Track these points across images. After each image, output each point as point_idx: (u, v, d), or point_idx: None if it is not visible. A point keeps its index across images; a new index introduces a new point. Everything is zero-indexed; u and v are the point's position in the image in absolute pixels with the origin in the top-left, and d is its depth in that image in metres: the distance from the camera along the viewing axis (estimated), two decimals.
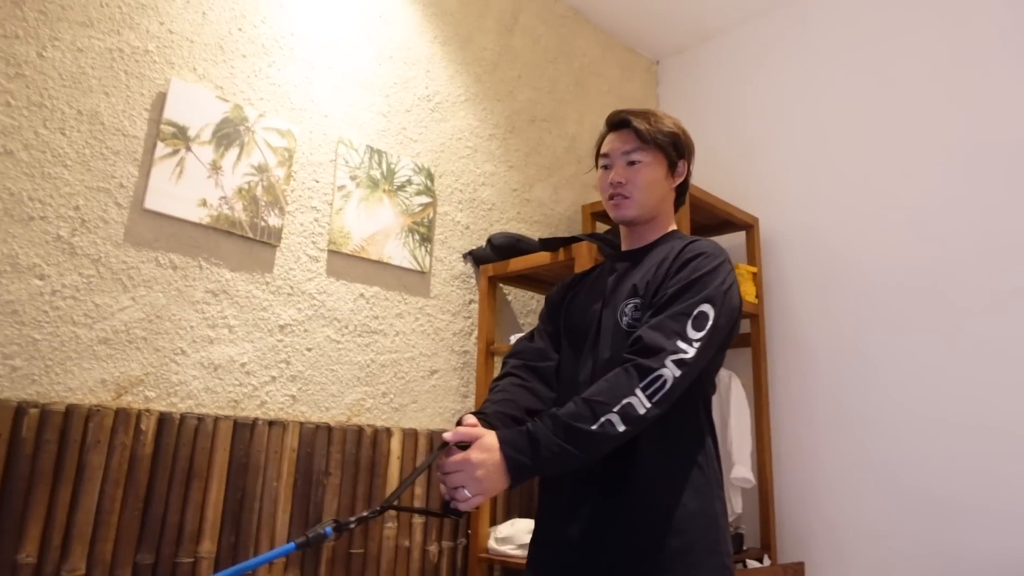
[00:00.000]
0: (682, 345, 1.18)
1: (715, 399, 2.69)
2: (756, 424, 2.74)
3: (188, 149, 1.90)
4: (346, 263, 2.18)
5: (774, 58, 3.12)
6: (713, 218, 2.84)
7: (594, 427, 1.11)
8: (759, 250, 2.90)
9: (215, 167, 1.94)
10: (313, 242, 2.13)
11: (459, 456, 1.10)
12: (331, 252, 2.16)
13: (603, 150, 1.45)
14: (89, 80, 1.78)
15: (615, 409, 1.12)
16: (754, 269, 2.83)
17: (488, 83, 2.75)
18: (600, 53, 3.29)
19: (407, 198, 2.36)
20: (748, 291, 2.78)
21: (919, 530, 2.35)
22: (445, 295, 2.44)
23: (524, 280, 2.55)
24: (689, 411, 1.29)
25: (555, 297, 1.56)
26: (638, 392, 1.13)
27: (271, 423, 1.91)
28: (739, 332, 1.31)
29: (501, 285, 2.60)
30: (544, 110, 2.96)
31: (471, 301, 2.51)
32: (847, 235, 2.73)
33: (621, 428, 1.11)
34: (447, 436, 1.13)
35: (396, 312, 2.29)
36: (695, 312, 1.22)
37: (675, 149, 1.43)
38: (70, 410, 1.60)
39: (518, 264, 2.38)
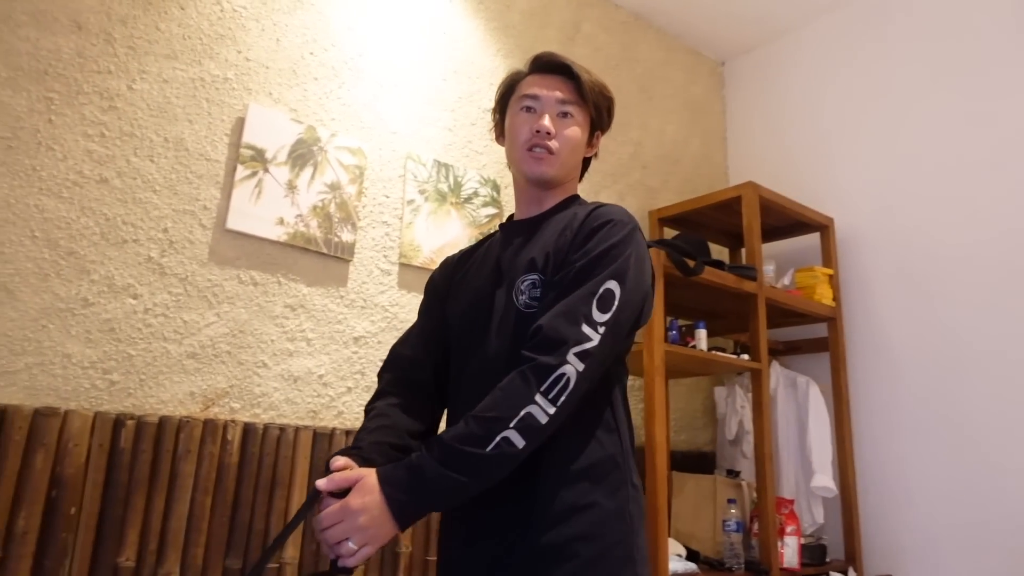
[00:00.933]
0: (586, 330, 1.01)
1: (793, 405, 2.64)
2: (836, 431, 2.65)
3: (266, 170, 1.98)
4: (416, 275, 2.23)
5: (846, 54, 3.02)
6: (785, 220, 2.77)
7: (488, 449, 0.94)
8: (835, 251, 2.81)
9: (291, 187, 2.02)
10: (384, 256, 2.19)
11: (336, 505, 0.94)
12: (402, 265, 2.21)
13: (529, 91, 1.23)
14: (174, 109, 1.88)
15: (512, 424, 0.96)
16: (830, 271, 2.74)
17: None
18: (663, 57, 3.27)
19: (474, 210, 2.40)
20: (825, 294, 2.70)
21: (1020, 544, 2.22)
22: None
23: None
24: (601, 400, 1.12)
25: (438, 283, 1.35)
26: (538, 399, 0.97)
27: (348, 432, 1.96)
28: (648, 316, 1.17)
29: None
30: None
31: None
32: (930, 232, 2.62)
33: (521, 444, 0.96)
34: (320, 484, 0.97)
35: None
36: (601, 291, 1.05)
37: (607, 117, 1.28)
38: (163, 421, 1.69)
39: None
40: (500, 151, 2.53)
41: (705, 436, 2.95)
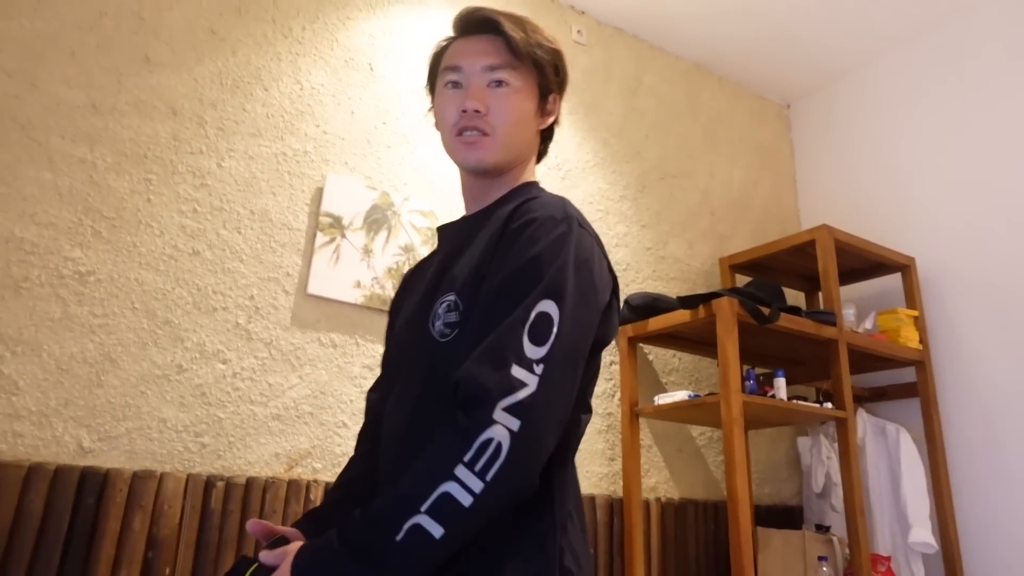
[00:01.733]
0: (518, 374, 0.75)
1: (884, 455, 2.52)
2: (933, 481, 2.51)
3: (343, 236, 2.07)
4: None
5: (918, 89, 2.96)
6: (863, 261, 2.69)
7: (398, 538, 0.71)
8: (919, 292, 2.71)
9: (367, 250, 2.10)
10: None
11: None
12: None
13: (450, 61, 0.99)
14: (259, 183, 2.00)
15: (424, 507, 0.71)
16: (915, 313, 2.64)
17: (616, 146, 2.81)
18: (727, 103, 3.27)
19: None
20: (910, 336, 2.60)
21: None
22: None
23: (665, 339, 2.53)
24: None
25: (394, 300, 1.16)
26: (460, 472, 0.72)
27: None
28: (615, 332, 0.94)
29: (641, 345, 2.58)
30: (673, 166, 2.97)
31: (612, 363, 2.51)
32: (1022, 267, 2.50)
33: (438, 533, 0.71)
34: (264, 558, 0.80)
35: None
36: (531, 317, 0.79)
37: (555, 74, 1.02)
38: (250, 482, 1.75)
39: (657, 323, 2.37)
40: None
41: (790, 489, 2.84)
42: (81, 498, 1.56)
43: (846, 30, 2.98)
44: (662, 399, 2.34)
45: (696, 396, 2.27)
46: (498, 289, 0.83)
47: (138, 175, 1.84)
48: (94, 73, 1.84)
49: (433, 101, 1.05)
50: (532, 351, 0.77)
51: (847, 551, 2.27)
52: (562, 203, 0.90)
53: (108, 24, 1.89)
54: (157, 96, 1.91)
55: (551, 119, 1.05)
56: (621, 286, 2.63)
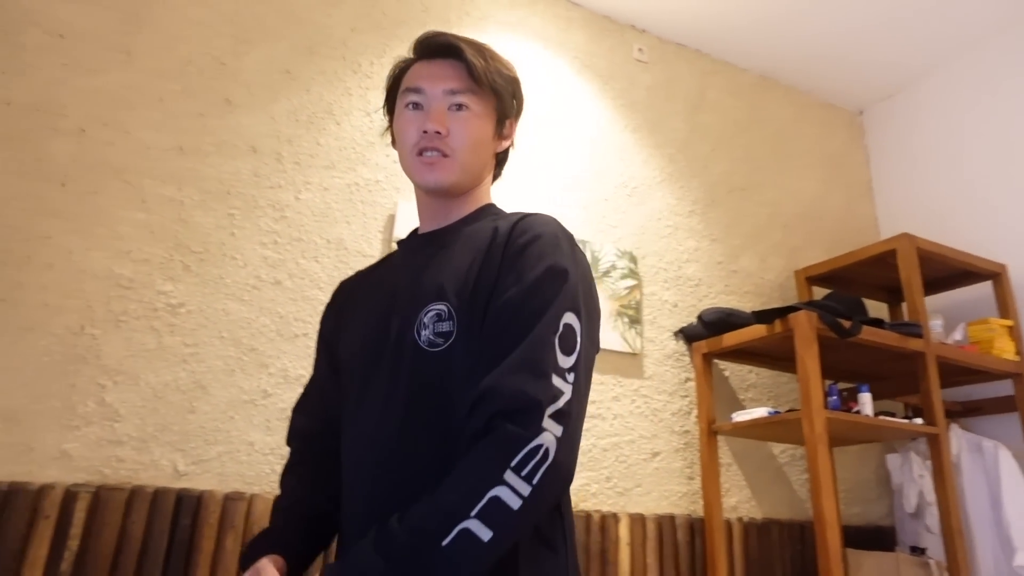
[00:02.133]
0: (558, 383, 0.79)
1: (981, 473, 2.38)
2: None
3: None
4: None
5: (1000, 88, 2.84)
6: (948, 270, 2.58)
7: (445, 543, 0.72)
8: (1012, 300, 2.57)
9: None
10: None
11: None
12: None
13: (412, 83, 1.01)
14: (334, 213, 2.07)
15: (474, 512, 0.73)
16: (1010, 322, 2.51)
17: (682, 161, 2.79)
18: (795, 113, 3.21)
19: (613, 283, 2.43)
20: (1005, 348, 2.47)
21: None
22: (659, 375, 2.43)
23: (741, 355, 2.47)
24: None
25: (327, 314, 1.16)
26: (508, 477, 0.74)
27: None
28: (599, 346, 0.97)
29: (716, 361, 2.53)
30: (741, 179, 2.92)
31: (687, 379, 2.47)
32: None
33: (487, 536, 0.73)
34: None
35: (612, 395, 2.32)
36: (560, 327, 0.83)
37: (512, 101, 1.05)
38: None
39: (732, 339, 2.32)
40: (635, 223, 2.57)
41: (880, 509, 2.72)
42: (178, 519, 1.63)
43: (919, 32, 2.88)
44: (740, 416, 2.29)
45: (776, 413, 2.21)
46: (517, 302, 0.85)
47: (222, 211, 1.93)
48: (180, 118, 1.96)
49: (391, 120, 1.08)
50: (564, 361, 0.82)
51: (946, 575, 2.15)
52: (557, 221, 0.95)
53: (192, 71, 2.01)
54: (238, 135, 2.02)
55: (507, 143, 1.09)
56: (693, 301, 2.60)
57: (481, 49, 1.02)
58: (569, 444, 0.79)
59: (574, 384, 0.81)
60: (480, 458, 0.77)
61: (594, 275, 2.40)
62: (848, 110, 3.40)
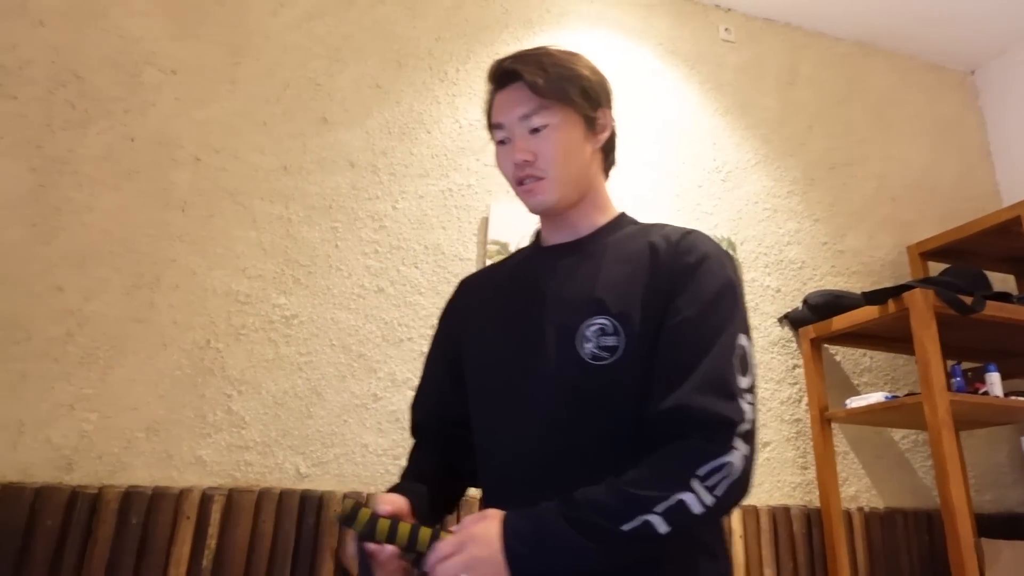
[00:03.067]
0: (743, 405, 0.85)
1: None
2: None
3: None
4: None
5: None
6: None
7: (625, 527, 0.79)
8: None
9: None
10: None
11: (454, 538, 0.82)
12: None
13: (493, 118, 1.05)
14: (430, 220, 2.14)
15: (659, 509, 0.79)
16: None
17: (777, 141, 2.70)
18: (899, 80, 3.03)
19: None
20: None
21: None
22: (765, 363, 2.36)
23: (852, 338, 2.37)
24: None
25: (449, 312, 1.19)
26: (695, 484, 0.80)
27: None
28: None
29: (826, 346, 2.44)
30: (843, 155, 2.79)
31: (795, 367, 2.39)
32: None
33: (664, 530, 0.79)
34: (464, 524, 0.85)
35: None
36: (736, 348, 0.88)
37: (586, 97, 1.03)
38: None
39: (841, 322, 2.23)
40: (731, 208, 2.51)
41: (1017, 495, 2.54)
42: (303, 519, 1.73)
43: None
44: (855, 402, 2.20)
45: (894, 397, 2.11)
46: (696, 322, 0.89)
47: (326, 224, 2.03)
48: (282, 139, 2.07)
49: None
50: (742, 382, 0.87)
51: None
52: (714, 240, 0.99)
53: (290, 94, 2.12)
54: (336, 152, 2.11)
55: (604, 134, 1.08)
56: (797, 285, 2.51)
57: (539, 59, 1.02)
58: (751, 463, 0.85)
59: (752, 404, 0.87)
60: (673, 461, 0.83)
61: None
62: (958, 70, 3.18)
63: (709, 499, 0.81)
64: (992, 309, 2.03)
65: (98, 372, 1.73)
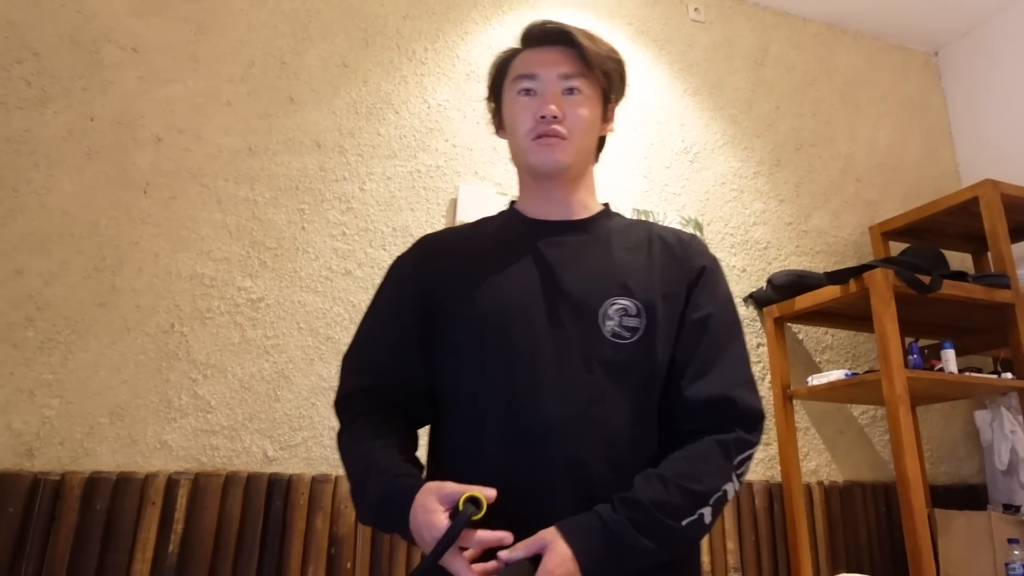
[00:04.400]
0: (758, 401, 0.98)
1: None
2: None
3: None
4: None
5: None
6: None
7: (685, 523, 0.85)
8: None
9: None
10: None
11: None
12: None
13: (525, 69, 1.03)
14: (398, 201, 2.13)
15: (712, 500, 0.87)
16: None
17: (745, 122, 2.72)
18: (865, 61, 3.06)
19: None
20: None
21: None
22: None
23: (815, 317, 2.42)
24: None
25: (415, 267, 1.08)
26: (733, 476, 0.90)
27: None
28: None
29: (789, 325, 2.49)
30: (810, 135, 2.83)
31: (759, 345, 2.44)
32: None
33: (709, 521, 0.88)
34: (507, 556, 0.81)
35: None
36: (746, 352, 1.01)
37: (614, 83, 1.08)
38: None
39: (805, 302, 2.27)
40: (699, 189, 2.53)
41: (970, 467, 2.63)
42: (271, 502, 1.74)
43: None
44: (816, 379, 2.25)
45: (854, 374, 2.16)
46: (719, 318, 0.99)
47: (292, 206, 2.02)
48: (248, 119, 2.04)
49: (498, 108, 1.11)
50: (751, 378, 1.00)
51: None
52: None
53: (256, 73, 2.09)
54: (303, 132, 2.09)
55: (609, 127, 1.12)
56: (762, 265, 2.55)
57: (590, 35, 1.04)
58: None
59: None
60: (722, 453, 0.90)
61: None
62: (922, 52, 3.22)
63: (738, 485, 0.91)
64: (949, 288, 2.08)
65: (59, 357, 1.71)
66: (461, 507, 0.82)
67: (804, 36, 2.97)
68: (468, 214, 2.16)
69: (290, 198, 2.02)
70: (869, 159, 2.91)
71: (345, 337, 1.97)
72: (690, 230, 2.43)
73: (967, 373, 2.13)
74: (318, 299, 1.97)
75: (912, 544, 1.84)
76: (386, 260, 2.04)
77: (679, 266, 1.01)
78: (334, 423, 1.87)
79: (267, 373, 1.87)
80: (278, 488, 1.76)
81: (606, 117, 1.10)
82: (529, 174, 1.07)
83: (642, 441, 0.93)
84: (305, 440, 1.86)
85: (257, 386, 1.85)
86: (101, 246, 1.81)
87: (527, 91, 1.03)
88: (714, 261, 1.05)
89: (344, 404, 1.06)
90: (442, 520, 0.81)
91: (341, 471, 1.84)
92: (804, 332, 2.53)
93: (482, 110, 2.31)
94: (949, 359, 2.14)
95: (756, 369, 2.40)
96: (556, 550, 0.80)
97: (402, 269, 1.11)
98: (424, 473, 0.98)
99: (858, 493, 2.38)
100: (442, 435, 1.02)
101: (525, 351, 0.94)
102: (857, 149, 2.90)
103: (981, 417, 2.56)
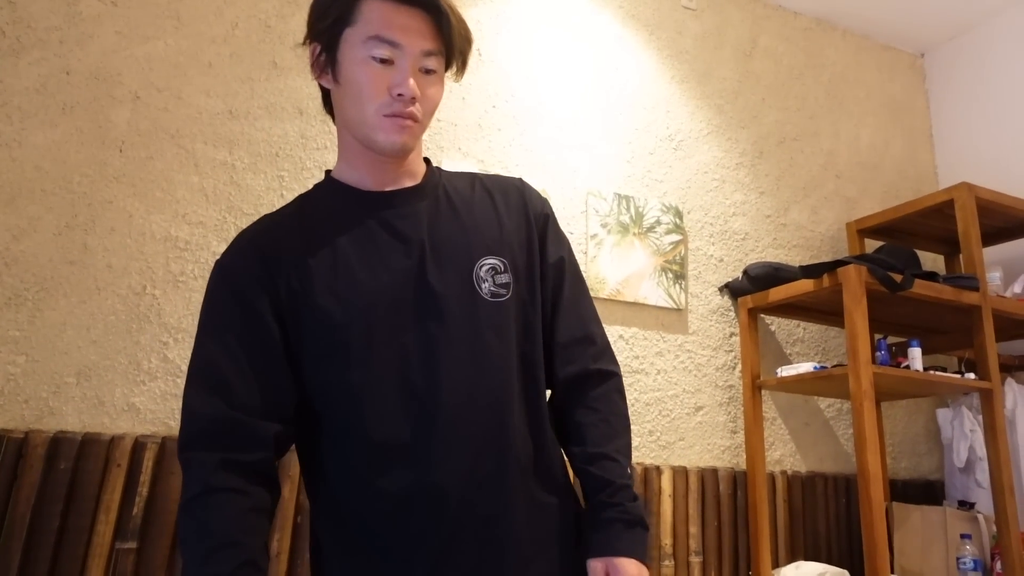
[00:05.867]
0: (604, 332, 1.09)
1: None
2: None
3: None
4: (603, 307, 2.28)
5: None
6: (1010, 220, 2.49)
7: (630, 474, 1.00)
8: None
9: None
10: None
11: None
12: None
13: (388, 34, 0.89)
14: None
15: (630, 457, 1.01)
16: None
17: (730, 112, 2.72)
18: (853, 58, 3.08)
19: (657, 238, 2.42)
20: None
21: None
22: (704, 330, 2.43)
23: (788, 309, 2.45)
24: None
25: (250, 276, 0.92)
26: (628, 413, 1.05)
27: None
28: None
29: (763, 316, 2.52)
30: (794, 129, 2.84)
31: (732, 334, 2.47)
32: None
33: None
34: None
35: (656, 351, 2.33)
36: (585, 285, 1.10)
37: (462, 69, 1.00)
38: None
39: (779, 294, 2.30)
40: (681, 177, 2.54)
41: (930, 463, 2.69)
42: None
43: None
44: (786, 371, 2.28)
45: (823, 368, 2.19)
46: (568, 262, 1.06)
47: (272, 173, 1.99)
48: (229, 82, 2.01)
49: (330, 56, 0.94)
50: None
51: (994, 529, 2.13)
52: None
53: (239, 35, 2.05)
54: (285, 98, 2.06)
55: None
56: (739, 255, 2.57)
57: (452, 6, 0.93)
58: None
59: None
60: (618, 400, 1.03)
61: (639, 230, 2.40)
62: (909, 53, 3.25)
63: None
64: (920, 287, 2.12)
65: (26, 314, 1.68)
66: None
67: (794, 30, 2.98)
68: None
69: (269, 164, 1.99)
70: (850, 156, 2.93)
71: None
72: (670, 217, 2.45)
73: (932, 372, 2.17)
74: None
75: (868, 536, 1.88)
76: None
77: (523, 214, 1.04)
78: None
79: None
80: None
81: None
82: (366, 146, 0.95)
83: (539, 394, 0.99)
84: None
85: None
86: (73, 203, 1.78)
87: (384, 60, 0.90)
88: (549, 206, 1.09)
89: (194, 458, 0.86)
90: None
91: None
92: (776, 324, 2.57)
93: (468, 84, 2.29)
94: (915, 357, 2.18)
95: (727, 358, 2.44)
96: (623, 569, 0.91)
97: (239, 277, 0.93)
98: (308, 502, 1.00)
99: (820, 484, 2.43)
100: (330, 450, 0.92)
101: (413, 341, 0.90)
102: (839, 146, 2.92)
103: (943, 415, 2.61)
